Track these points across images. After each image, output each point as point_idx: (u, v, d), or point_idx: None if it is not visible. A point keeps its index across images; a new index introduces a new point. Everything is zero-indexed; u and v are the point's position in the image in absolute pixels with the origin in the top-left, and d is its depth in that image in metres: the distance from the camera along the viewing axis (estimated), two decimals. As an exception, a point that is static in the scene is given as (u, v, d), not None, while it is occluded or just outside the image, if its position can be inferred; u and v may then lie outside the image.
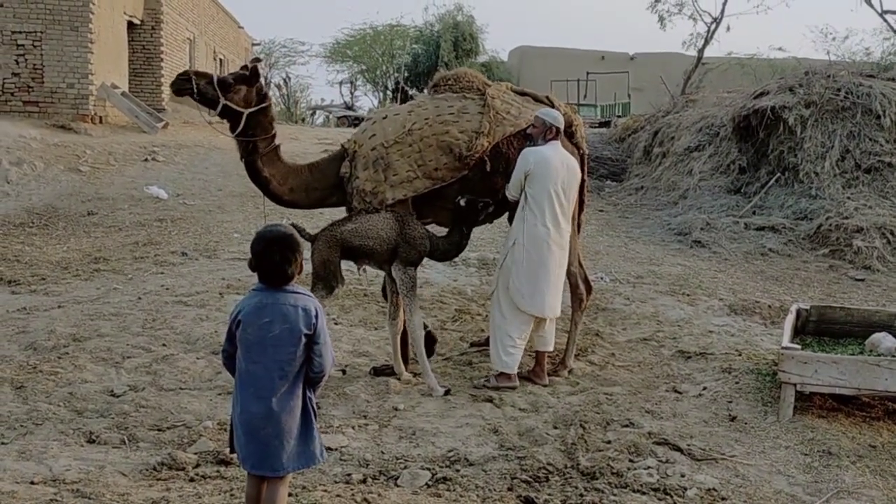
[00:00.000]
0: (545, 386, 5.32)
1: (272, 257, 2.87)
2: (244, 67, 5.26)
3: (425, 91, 6.18)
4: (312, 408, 2.97)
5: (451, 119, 5.49)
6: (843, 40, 23.70)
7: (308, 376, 2.93)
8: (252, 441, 2.86)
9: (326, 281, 4.96)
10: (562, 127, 5.40)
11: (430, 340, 5.78)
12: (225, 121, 5.21)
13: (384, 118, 5.59)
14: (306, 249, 5.65)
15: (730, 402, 5.01)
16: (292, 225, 4.95)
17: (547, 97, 5.97)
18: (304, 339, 2.86)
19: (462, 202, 5.26)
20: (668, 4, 23.59)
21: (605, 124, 22.73)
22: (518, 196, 5.32)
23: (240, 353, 2.88)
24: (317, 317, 2.88)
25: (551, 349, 5.54)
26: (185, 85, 5.05)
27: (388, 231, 5.09)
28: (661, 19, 24.00)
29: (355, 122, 34.76)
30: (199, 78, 5.08)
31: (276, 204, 5.54)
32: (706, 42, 22.87)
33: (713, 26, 22.77)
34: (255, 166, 5.22)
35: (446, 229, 5.48)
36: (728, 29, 24.35)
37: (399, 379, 5.27)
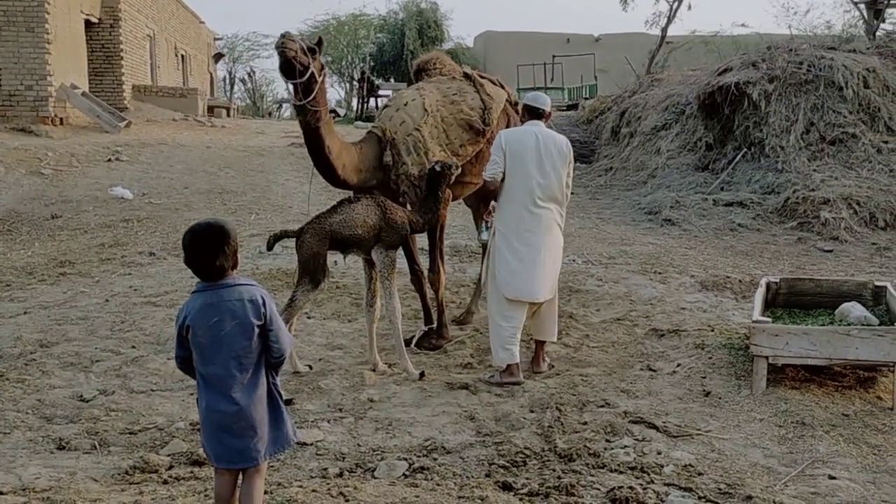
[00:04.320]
0: (538, 373, 5.18)
1: (200, 250, 2.81)
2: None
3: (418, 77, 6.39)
4: (278, 392, 2.95)
5: (458, 98, 5.91)
6: (805, 14, 24.00)
7: (269, 362, 2.90)
8: (226, 437, 2.82)
9: (313, 275, 4.90)
10: (540, 107, 5.29)
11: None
12: (292, 88, 5.08)
13: (405, 105, 5.73)
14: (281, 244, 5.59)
15: (703, 377, 5.03)
16: (276, 234, 4.99)
17: (497, 80, 6.46)
18: (257, 331, 2.82)
19: (437, 167, 5.33)
20: (630, -17, 23.67)
21: (573, 107, 22.76)
22: (493, 177, 5.15)
23: (196, 357, 2.83)
24: (265, 304, 2.84)
25: (553, 339, 5.45)
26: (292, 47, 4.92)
27: (374, 217, 5.09)
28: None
29: (322, 113, 34.51)
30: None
31: (328, 180, 5.42)
32: (669, 21, 23.04)
33: (675, 5, 22.93)
34: (319, 133, 5.14)
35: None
36: (690, 7, 24.49)
37: (374, 370, 5.24)
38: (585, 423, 4.36)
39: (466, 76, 6.26)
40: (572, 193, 5.68)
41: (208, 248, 2.80)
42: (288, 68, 4.88)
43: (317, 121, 5.10)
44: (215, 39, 34.61)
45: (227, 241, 2.82)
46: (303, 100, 5.01)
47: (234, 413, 2.79)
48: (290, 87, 5.05)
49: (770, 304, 5.76)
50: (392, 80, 33.41)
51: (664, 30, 23.09)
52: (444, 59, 6.46)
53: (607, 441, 4.13)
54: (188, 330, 2.81)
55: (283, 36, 4.90)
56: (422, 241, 6.10)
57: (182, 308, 2.89)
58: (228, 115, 25.97)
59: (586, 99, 23.31)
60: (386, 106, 5.91)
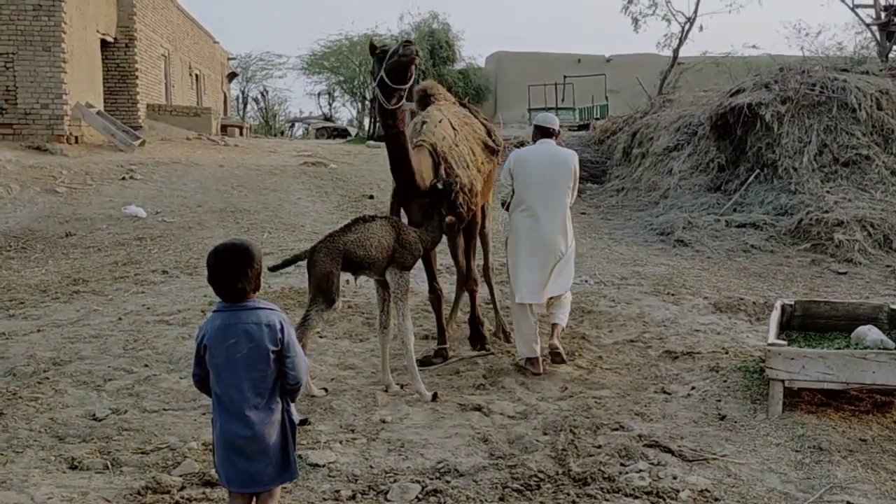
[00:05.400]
0: (557, 355, 5.58)
1: (222, 271, 2.80)
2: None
3: (415, 103, 6.53)
4: (291, 419, 2.92)
5: (468, 121, 6.25)
6: (816, 36, 23.96)
7: (284, 388, 2.88)
8: (238, 460, 2.80)
9: (327, 294, 4.86)
10: (548, 126, 5.86)
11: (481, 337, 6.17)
12: (386, 94, 5.17)
13: (440, 122, 5.90)
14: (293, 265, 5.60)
15: (719, 400, 4.99)
16: (287, 259, 4.97)
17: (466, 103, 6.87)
18: (272, 356, 2.80)
19: (440, 185, 5.38)
20: (641, 6, 23.74)
21: (584, 127, 22.79)
22: (505, 196, 5.83)
23: (212, 377, 2.82)
24: (282, 330, 2.82)
25: (562, 324, 5.84)
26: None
27: (388, 238, 5.07)
28: (635, 21, 24.16)
29: (335, 133, 34.75)
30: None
31: (405, 186, 5.47)
32: (680, 42, 23.05)
33: (687, 26, 22.96)
34: (404, 136, 5.33)
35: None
36: (701, 29, 24.44)
37: (386, 390, 5.21)
38: (600, 447, 4.32)
39: (461, 104, 6.68)
40: (583, 213, 5.98)
41: (230, 270, 2.78)
42: (407, 74, 5.11)
43: (403, 124, 5.31)
44: (229, 59, 34.89)
45: (251, 263, 2.80)
46: (397, 104, 5.19)
47: (247, 437, 2.77)
48: (382, 93, 5.16)
49: (785, 327, 5.71)
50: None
51: (676, 51, 23.12)
52: (439, 87, 6.74)
53: (622, 465, 4.09)
54: (205, 349, 2.80)
55: (410, 43, 5.14)
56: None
57: (202, 326, 2.88)
58: (241, 133, 26.16)
59: (597, 119, 23.33)
60: (424, 122, 5.96)
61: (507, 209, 5.92)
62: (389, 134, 5.27)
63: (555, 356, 5.61)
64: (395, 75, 5.09)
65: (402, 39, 5.28)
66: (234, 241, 2.90)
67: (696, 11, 22.77)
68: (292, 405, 2.96)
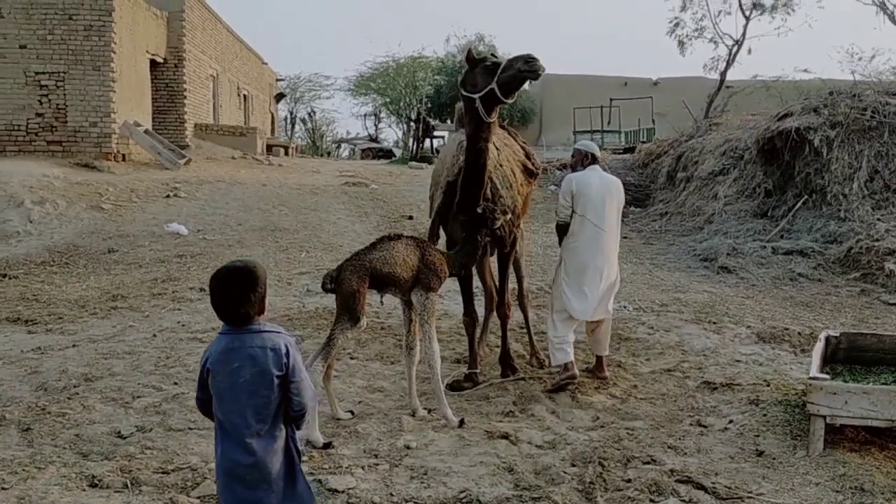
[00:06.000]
0: (603, 378, 5.93)
1: (224, 296, 2.72)
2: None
3: (454, 123, 6.49)
4: (295, 447, 2.81)
5: (508, 143, 6.25)
6: (870, 60, 23.36)
7: (288, 415, 2.77)
8: (238, 488, 2.70)
9: (353, 312, 4.82)
10: (595, 153, 6.02)
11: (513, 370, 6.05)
12: (486, 107, 5.21)
13: None
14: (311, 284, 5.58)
15: (757, 435, 4.79)
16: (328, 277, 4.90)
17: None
18: (277, 381, 2.70)
19: (480, 210, 5.39)
20: (688, 29, 23.51)
21: (630, 150, 22.54)
22: (565, 218, 5.84)
23: (215, 402, 2.74)
24: (288, 355, 2.71)
25: (605, 353, 6.10)
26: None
27: (413, 257, 5.03)
28: (681, 44, 23.93)
29: (380, 153, 34.98)
30: None
31: (471, 202, 5.44)
32: (728, 65, 22.74)
33: (734, 49, 22.65)
34: (488, 151, 5.37)
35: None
36: (749, 52, 24.08)
37: (413, 415, 5.12)
38: (629, 481, 4.16)
39: (501, 126, 6.50)
40: (624, 238, 5.95)
41: (233, 294, 2.70)
42: (519, 89, 5.16)
43: (491, 138, 5.37)
44: (277, 80, 35.41)
45: (255, 287, 2.71)
46: (494, 118, 5.28)
47: (248, 465, 2.68)
48: (484, 105, 5.14)
49: (829, 360, 5.49)
50: (448, 121, 33.65)
51: (723, 74, 22.80)
52: None
53: (651, 501, 3.93)
54: (209, 373, 2.73)
55: (534, 58, 5.04)
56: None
57: (206, 350, 2.82)
58: (286, 153, 26.44)
59: (644, 142, 23.07)
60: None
61: (564, 231, 5.88)
62: (476, 147, 5.26)
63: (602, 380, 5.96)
64: (509, 89, 5.10)
65: (523, 54, 5.13)
66: (237, 263, 2.81)
67: (743, 34, 22.48)
68: (297, 432, 2.86)
